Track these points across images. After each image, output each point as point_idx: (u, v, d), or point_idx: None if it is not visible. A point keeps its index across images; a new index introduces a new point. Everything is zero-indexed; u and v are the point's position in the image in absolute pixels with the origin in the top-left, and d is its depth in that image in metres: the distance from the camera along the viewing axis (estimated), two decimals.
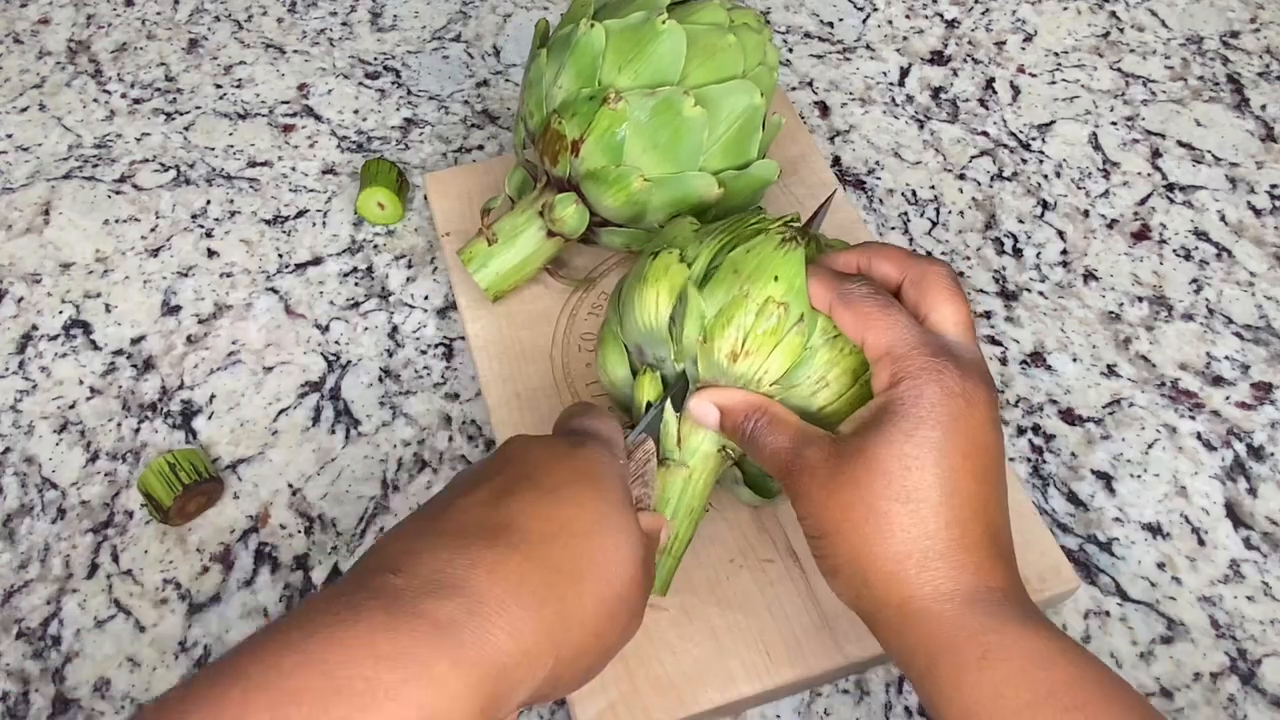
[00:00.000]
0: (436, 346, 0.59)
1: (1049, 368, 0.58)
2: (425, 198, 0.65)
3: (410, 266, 0.63)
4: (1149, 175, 0.67)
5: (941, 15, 0.76)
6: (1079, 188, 0.66)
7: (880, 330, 0.40)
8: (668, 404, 0.44)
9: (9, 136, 0.70)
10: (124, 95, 0.73)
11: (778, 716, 0.47)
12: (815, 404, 0.43)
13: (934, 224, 0.64)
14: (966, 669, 0.35)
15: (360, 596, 0.31)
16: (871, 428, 0.38)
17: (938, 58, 0.74)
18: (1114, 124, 0.69)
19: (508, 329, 0.57)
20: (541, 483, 0.36)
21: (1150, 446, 0.55)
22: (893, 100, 0.71)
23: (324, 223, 0.65)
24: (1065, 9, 0.76)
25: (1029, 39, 0.75)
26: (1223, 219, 0.64)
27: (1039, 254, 0.63)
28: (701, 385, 0.44)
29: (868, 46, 0.74)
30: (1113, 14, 0.76)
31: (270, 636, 0.30)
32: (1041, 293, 0.61)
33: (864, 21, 0.76)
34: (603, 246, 0.56)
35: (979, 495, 0.38)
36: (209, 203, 0.66)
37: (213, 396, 0.58)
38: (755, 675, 0.46)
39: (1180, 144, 0.68)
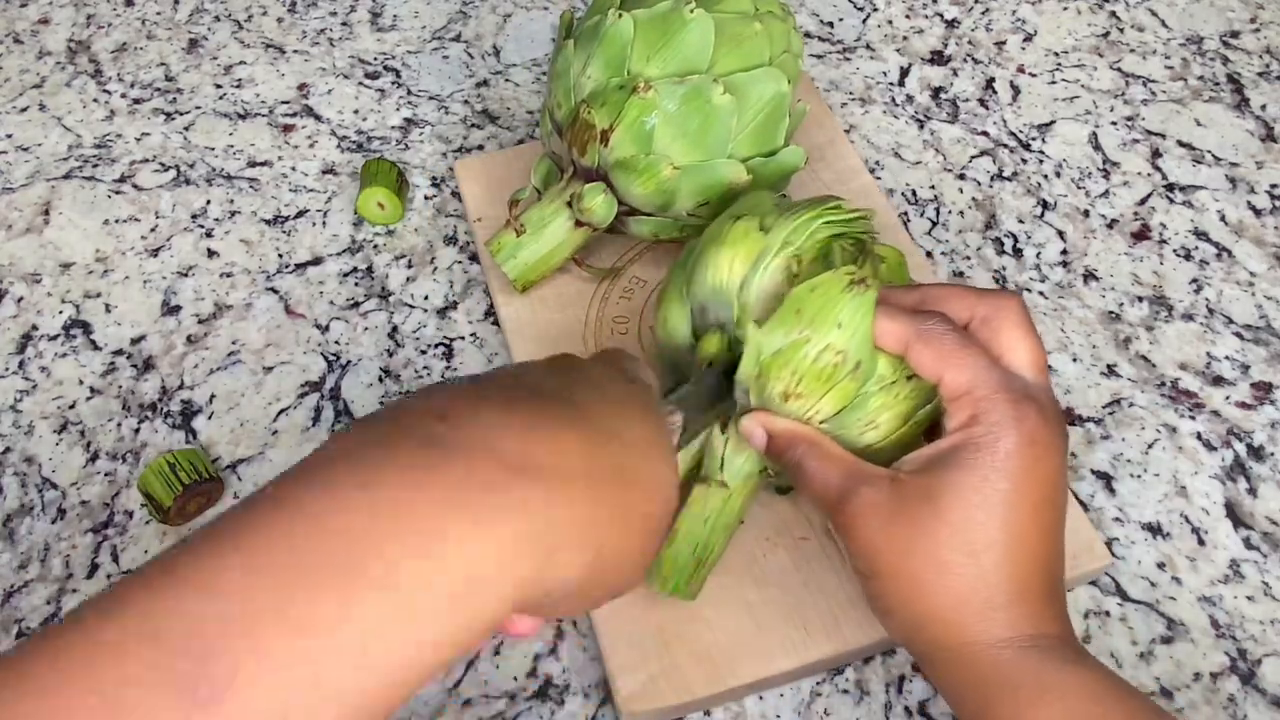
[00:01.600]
0: (436, 346, 0.59)
1: (1049, 367, 0.58)
2: (445, 193, 0.65)
3: (410, 266, 0.63)
4: (1149, 175, 0.67)
5: (941, 15, 0.76)
6: (1079, 188, 0.66)
7: (959, 369, 0.38)
8: (716, 427, 0.45)
9: (9, 136, 0.70)
10: (124, 95, 0.73)
11: (778, 716, 0.47)
12: (862, 441, 0.43)
13: (934, 224, 0.64)
14: (1022, 708, 0.35)
15: (419, 448, 0.28)
16: (940, 470, 0.37)
17: (938, 58, 0.74)
18: (1114, 124, 0.69)
19: (541, 312, 0.58)
20: (606, 391, 0.35)
21: (1150, 446, 0.55)
22: (893, 100, 0.71)
23: (324, 223, 0.65)
24: (1065, 9, 0.76)
25: (1029, 39, 0.75)
26: (1223, 219, 0.64)
27: (1039, 254, 0.63)
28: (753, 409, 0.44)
29: (868, 46, 0.74)
30: (1113, 14, 0.76)
31: (331, 476, 0.28)
32: (1041, 293, 0.61)
33: (864, 21, 0.76)
34: (630, 236, 0.57)
35: (1043, 549, 0.38)
36: (209, 203, 0.66)
37: (213, 396, 0.58)
38: (793, 650, 0.47)
39: (1180, 144, 0.68)
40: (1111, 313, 0.60)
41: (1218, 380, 0.58)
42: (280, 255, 0.64)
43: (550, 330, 0.57)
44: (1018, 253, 0.63)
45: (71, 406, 0.58)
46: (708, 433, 0.45)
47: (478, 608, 0.28)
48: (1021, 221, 0.64)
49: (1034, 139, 0.68)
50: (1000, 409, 0.37)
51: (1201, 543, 0.52)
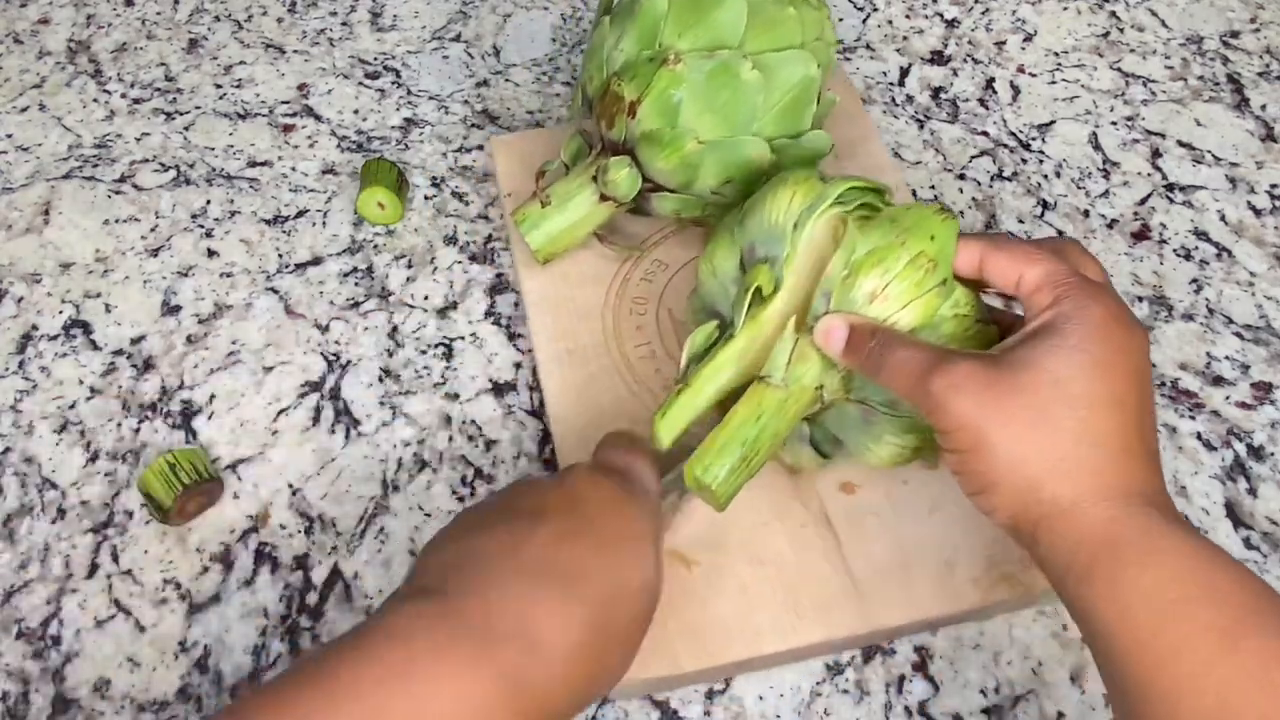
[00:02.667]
0: (436, 346, 0.59)
1: None
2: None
3: (410, 266, 0.63)
4: (1149, 175, 0.67)
5: (941, 15, 0.76)
6: (1079, 188, 0.66)
7: (1037, 264, 0.41)
8: (790, 322, 0.45)
9: (9, 136, 0.70)
10: (124, 95, 0.73)
11: (778, 716, 0.47)
12: None
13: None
14: (1128, 566, 0.36)
15: (437, 630, 0.35)
16: (1032, 342, 0.39)
17: (938, 58, 0.74)
18: (1114, 124, 0.69)
19: (563, 288, 0.58)
20: (603, 533, 0.40)
21: None
22: (893, 100, 0.71)
23: (324, 223, 0.65)
24: (1065, 9, 0.76)
25: (1029, 39, 0.75)
26: (1223, 219, 0.64)
27: None
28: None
29: (868, 46, 0.74)
30: (1113, 14, 0.76)
31: (335, 672, 0.34)
32: None
33: (864, 21, 0.76)
34: (653, 214, 0.57)
35: (1141, 416, 0.39)
36: (209, 203, 0.66)
37: (213, 396, 0.58)
38: (782, 633, 0.47)
39: (1180, 144, 0.68)
40: None
41: (1218, 380, 0.58)
42: (280, 255, 0.64)
43: (570, 306, 0.58)
44: None
45: (71, 406, 0.58)
46: (680, 472, 0.46)
47: None
48: (1021, 221, 0.64)
49: (1034, 139, 0.69)
50: (1083, 289, 0.40)
51: None
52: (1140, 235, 0.64)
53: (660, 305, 0.58)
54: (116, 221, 0.66)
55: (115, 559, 0.53)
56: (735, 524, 0.49)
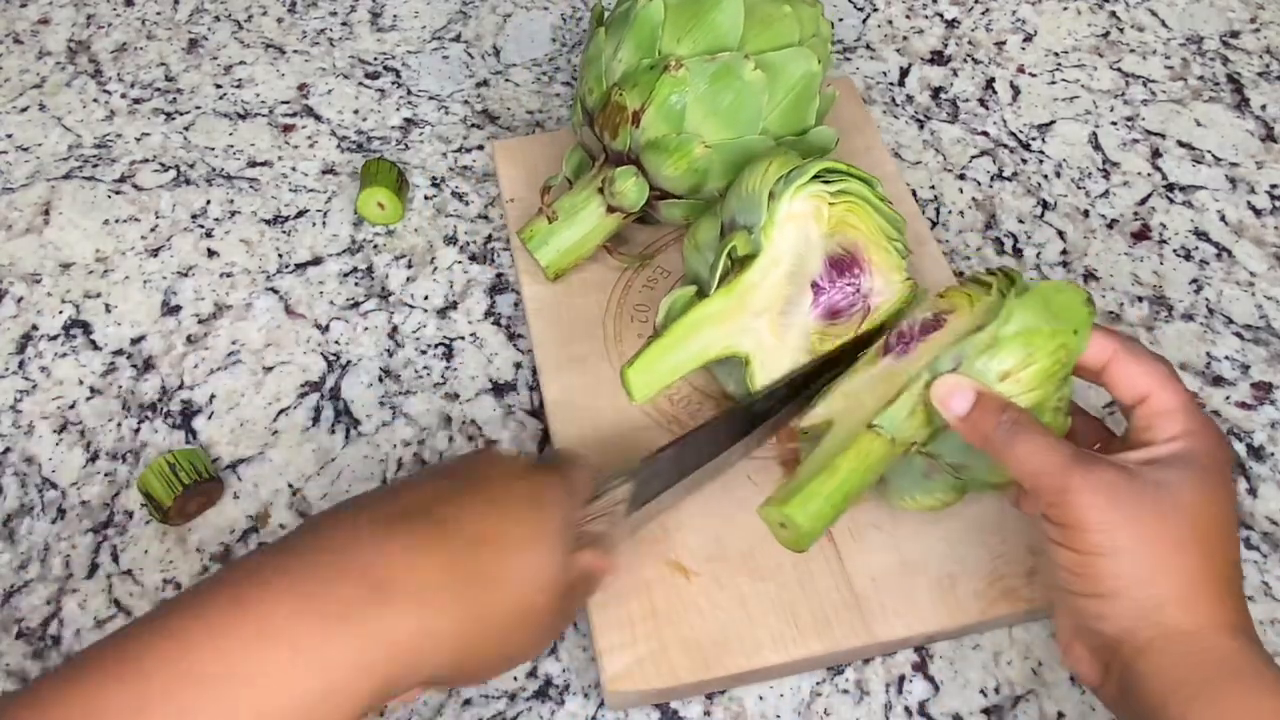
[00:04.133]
0: (436, 346, 0.59)
1: None
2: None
3: (410, 266, 0.63)
4: (1149, 175, 0.67)
5: (941, 15, 0.76)
6: (1079, 188, 0.66)
7: (1174, 390, 0.42)
8: (920, 381, 0.44)
9: (9, 136, 0.70)
10: (124, 95, 0.73)
11: (778, 716, 0.47)
12: None
13: (934, 224, 0.64)
14: (1247, 694, 0.37)
15: (274, 572, 0.34)
16: (1168, 468, 0.40)
17: (938, 58, 0.74)
18: (1114, 124, 0.69)
19: (564, 296, 0.58)
20: (491, 493, 0.39)
21: None
22: (893, 100, 0.71)
23: (324, 223, 0.65)
24: (1065, 9, 0.76)
25: (1029, 39, 0.75)
26: (1223, 219, 0.64)
27: (1039, 254, 0.63)
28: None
29: (868, 46, 0.74)
30: (1113, 14, 0.76)
31: (172, 613, 0.33)
32: None
33: (864, 21, 0.76)
34: (662, 221, 0.57)
35: (1238, 555, 0.41)
36: (209, 203, 0.66)
37: (213, 396, 0.58)
38: (781, 645, 0.47)
39: (1180, 144, 0.68)
40: (1112, 313, 0.60)
41: (1218, 380, 0.58)
42: (280, 255, 0.64)
43: (572, 314, 0.58)
44: (1018, 252, 0.63)
45: (71, 406, 0.58)
46: (632, 476, 0.46)
47: (332, 707, 0.32)
48: (1021, 221, 0.64)
49: (1034, 139, 0.68)
50: (1215, 436, 0.42)
51: None
52: (1140, 235, 0.64)
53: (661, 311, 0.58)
54: (116, 221, 0.66)
55: (115, 559, 0.53)
56: (736, 535, 0.49)
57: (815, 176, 0.47)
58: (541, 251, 0.56)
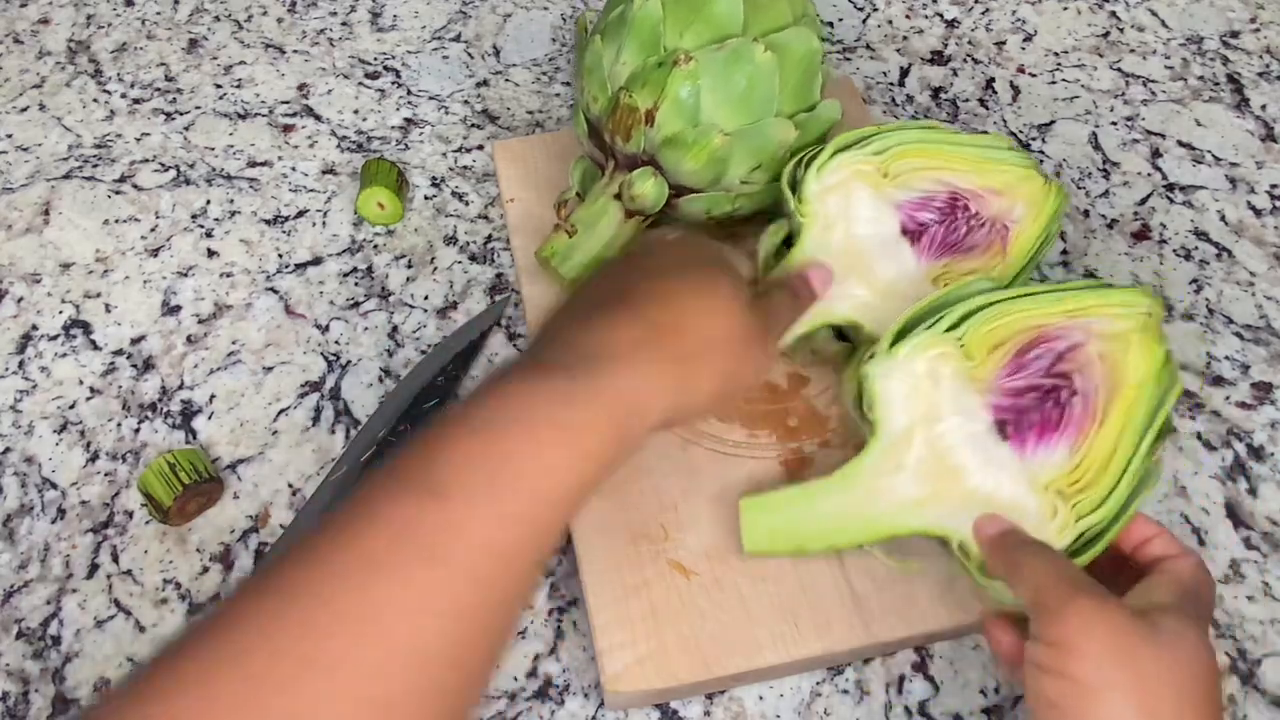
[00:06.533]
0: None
1: None
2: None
3: (410, 266, 0.63)
4: (1149, 175, 0.67)
5: (941, 15, 0.76)
6: (1079, 188, 0.66)
7: (1197, 565, 0.42)
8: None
9: (9, 136, 0.70)
10: (124, 95, 0.73)
11: (778, 716, 0.47)
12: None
13: None
14: None
15: (538, 374, 0.37)
16: (1163, 616, 0.39)
17: (938, 58, 0.74)
18: (1114, 124, 0.69)
19: (563, 294, 0.58)
20: (664, 267, 0.43)
21: None
22: (893, 100, 0.71)
23: (324, 223, 0.65)
24: (1065, 9, 0.76)
25: (1029, 39, 0.75)
26: (1223, 219, 0.64)
27: None
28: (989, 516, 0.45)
29: (868, 46, 0.74)
30: (1113, 14, 0.76)
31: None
32: None
33: (864, 21, 0.76)
34: (679, 219, 0.57)
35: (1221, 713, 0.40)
36: (209, 203, 0.66)
37: (213, 396, 0.58)
38: (781, 645, 0.47)
39: (1180, 144, 0.68)
40: None
41: (1218, 380, 0.58)
42: (280, 255, 0.64)
43: None
44: None
45: (71, 406, 0.58)
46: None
47: (588, 470, 0.36)
48: None
49: (1034, 139, 0.68)
50: (1210, 589, 0.42)
51: (1201, 543, 0.52)
52: (1140, 235, 0.64)
53: None
54: (116, 221, 0.66)
55: (115, 559, 0.53)
56: (736, 536, 0.49)
57: (838, 151, 0.51)
58: (566, 267, 0.55)
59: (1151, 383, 0.44)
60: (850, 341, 0.53)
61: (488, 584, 0.32)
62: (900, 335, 0.46)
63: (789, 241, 0.52)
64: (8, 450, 0.57)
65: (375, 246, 0.64)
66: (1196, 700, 0.38)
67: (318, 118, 0.71)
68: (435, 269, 0.63)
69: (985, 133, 0.52)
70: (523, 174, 0.64)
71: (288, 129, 0.70)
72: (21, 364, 0.60)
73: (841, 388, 0.50)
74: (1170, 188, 0.66)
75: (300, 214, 0.66)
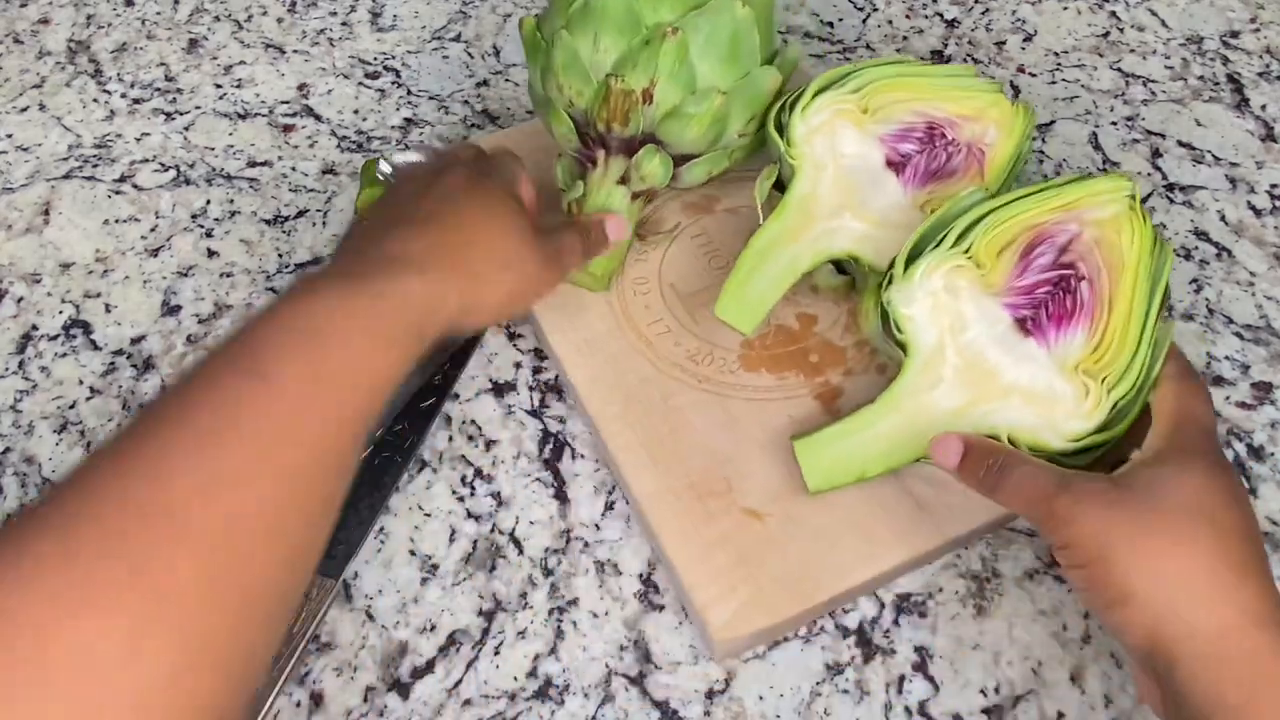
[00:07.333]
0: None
1: None
2: None
3: None
4: (1149, 175, 0.67)
5: (941, 15, 0.76)
6: None
7: (1172, 395, 0.43)
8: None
9: (9, 136, 0.70)
10: (124, 95, 0.73)
11: (778, 716, 0.47)
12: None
13: None
14: None
15: (347, 281, 0.41)
16: (1154, 465, 0.40)
17: (938, 57, 0.74)
18: (1114, 124, 0.69)
19: (564, 285, 0.58)
20: (451, 193, 0.47)
21: None
22: None
23: (324, 223, 0.65)
24: (1065, 9, 0.76)
25: (1029, 39, 0.75)
26: (1223, 219, 0.64)
27: None
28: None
29: (868, 46, 0.74)
30: (1113, 14, 0.76)
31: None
32: None
33: (864, 21, 0.76)
34: (683, 186, 0.58)
35: (1252, 523, 0.40)
36: (209, 203, 0.66)
37: None
38: (866, 562, 0.49)
39: (1180, 144, 0.68)
40: None
41: (1218, 380, 0.58)
42: (280, 255, 0.64)
43: (573, 300, 0.58)
44: None
45: (71, 406, 0.58)
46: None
47: (391, 361, 0.40)
48: None
49: (1034, 139, 0.69)
50: (1206, 433, 0.43)
51: None
52: None
53: (661, 281, 0.59)
54: (116, 221, 0.66)
55: None
56: (794, 472, 0.50)
57: (819, 92, 0.53)
58: (593, 265, 0.55)
59: (1148, 256, 0.47)
60: (849, 275, 0.55)
61: (312, 448, 0.36)
62: (912, 258, 0.48)
63: (780, 185, 0.54)
64: (8, 450, 0.57)
65: None
66: (1199, 527, 0.38)
67: (318, 118, 0.71)
68: None
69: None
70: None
71: (288, 129, 0.70)
72: (21, 364, 0.60)
73: (863, 318, 0.52)
74: (1170, 188, 0.66)
75: (300, 214, 0.66)
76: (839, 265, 0.55)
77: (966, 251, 0.48)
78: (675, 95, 0.53)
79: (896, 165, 0.54)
